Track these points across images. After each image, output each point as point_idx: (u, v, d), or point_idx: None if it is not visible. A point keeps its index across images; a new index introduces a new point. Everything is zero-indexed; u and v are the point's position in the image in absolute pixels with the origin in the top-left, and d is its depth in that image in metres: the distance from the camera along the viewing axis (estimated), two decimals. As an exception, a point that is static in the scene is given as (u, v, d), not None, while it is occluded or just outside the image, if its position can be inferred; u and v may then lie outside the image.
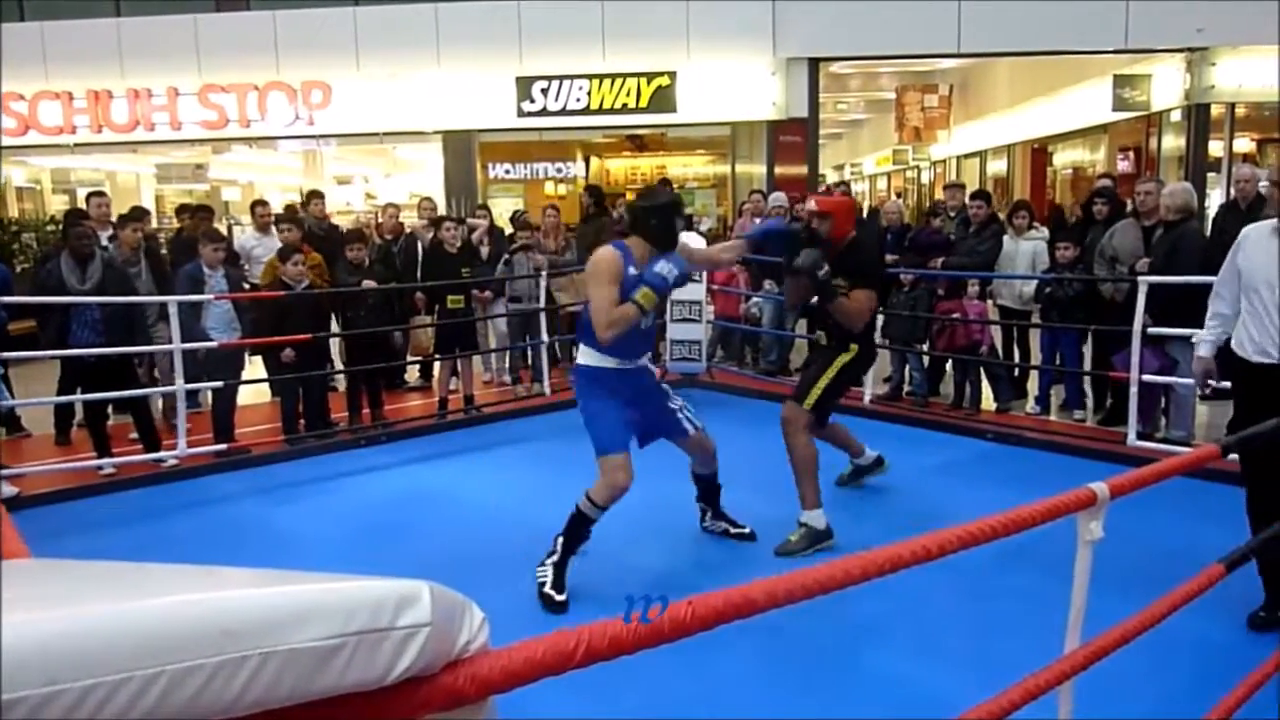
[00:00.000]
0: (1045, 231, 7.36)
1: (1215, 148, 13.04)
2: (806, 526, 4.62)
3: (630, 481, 4.03)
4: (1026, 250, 7.06)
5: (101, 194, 7.83)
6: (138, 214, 7.60)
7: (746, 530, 4.78)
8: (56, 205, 14.94)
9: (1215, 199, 12.04)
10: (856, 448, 5.43)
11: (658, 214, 4.04)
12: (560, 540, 4.06)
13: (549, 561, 4.08)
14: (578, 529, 4.07)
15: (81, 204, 8.55)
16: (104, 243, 6.78)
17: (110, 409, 6.56)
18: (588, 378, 4.15)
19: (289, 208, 10.18)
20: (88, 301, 5.81)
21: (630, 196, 13.91)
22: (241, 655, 0.92)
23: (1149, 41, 12.40)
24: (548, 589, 4.03)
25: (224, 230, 10.44)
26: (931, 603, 3.77)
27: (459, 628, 1.08)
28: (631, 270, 3.97)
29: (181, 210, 9.29)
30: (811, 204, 4.82)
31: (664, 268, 3.92)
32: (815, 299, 4.82)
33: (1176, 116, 13.36)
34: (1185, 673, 3.24)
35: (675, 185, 10.26)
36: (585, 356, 4.15)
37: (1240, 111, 13.35)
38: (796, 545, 4.57)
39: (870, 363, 5.16)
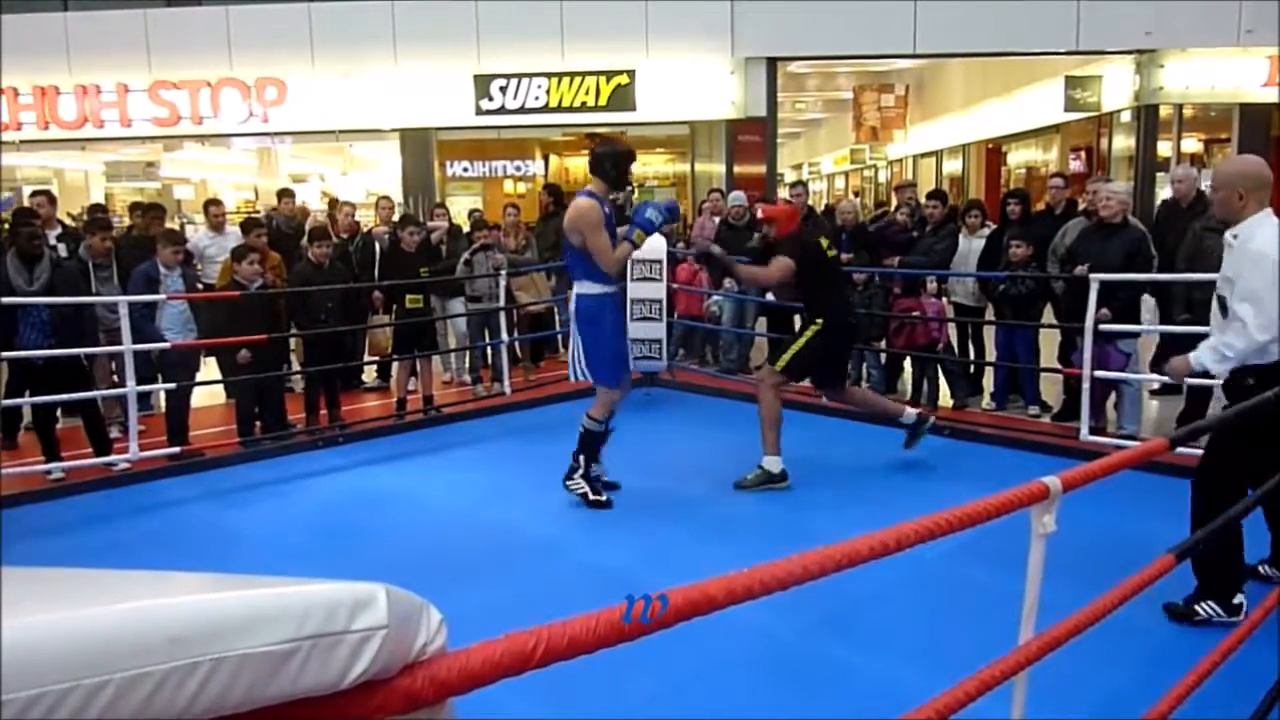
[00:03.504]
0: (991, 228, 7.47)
1: (1164, 148, 13.33)
2: (762, 469, 5.39)
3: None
4: (978, 248, 7.17)
5: (45, 193, 7.66)
6: (104, 221, 7.45)
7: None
8: (2, 204, 14.58)
9: (1164, 195, 12.30)
10: (894, 410, 5.94)
11: (613, 159, 4.88)
12: (581, 457, 4.96)
13: (578, 477, 4.96)
14: (591, 445, 4.94)
15: (28, 203, 8.37)
16: (52, 242, 6.63)
17: (59, 412, 6.42)
18: (596, 306, 4.84)
19: (243, 208, 10.05)
20: (35, 302, 5.68)
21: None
22: (192, 662, 0.90)
23: (1099, 44, 12.63)
24: (592, 497, 4.93)
25: (176, 229, 10.24)
26: (889, 597, 3.81)
27: (416, 630, 1.07)
28: (605, 210, 4.78)
29: (135, 209, 9.14)
30: (759, 212, 5.90)
31: (653, 213, 4.84)
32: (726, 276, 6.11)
33: (1126, 117, 13.63)
34: (1136, 662, 3.30)
35: (635, 184, 10.28)
36: (587, 287, 4.85)
37: (1188, 113, 13.67)
38: (750, 481, 5.38)
39: (844, 335, 5.73)
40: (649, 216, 4.83)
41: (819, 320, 5.52)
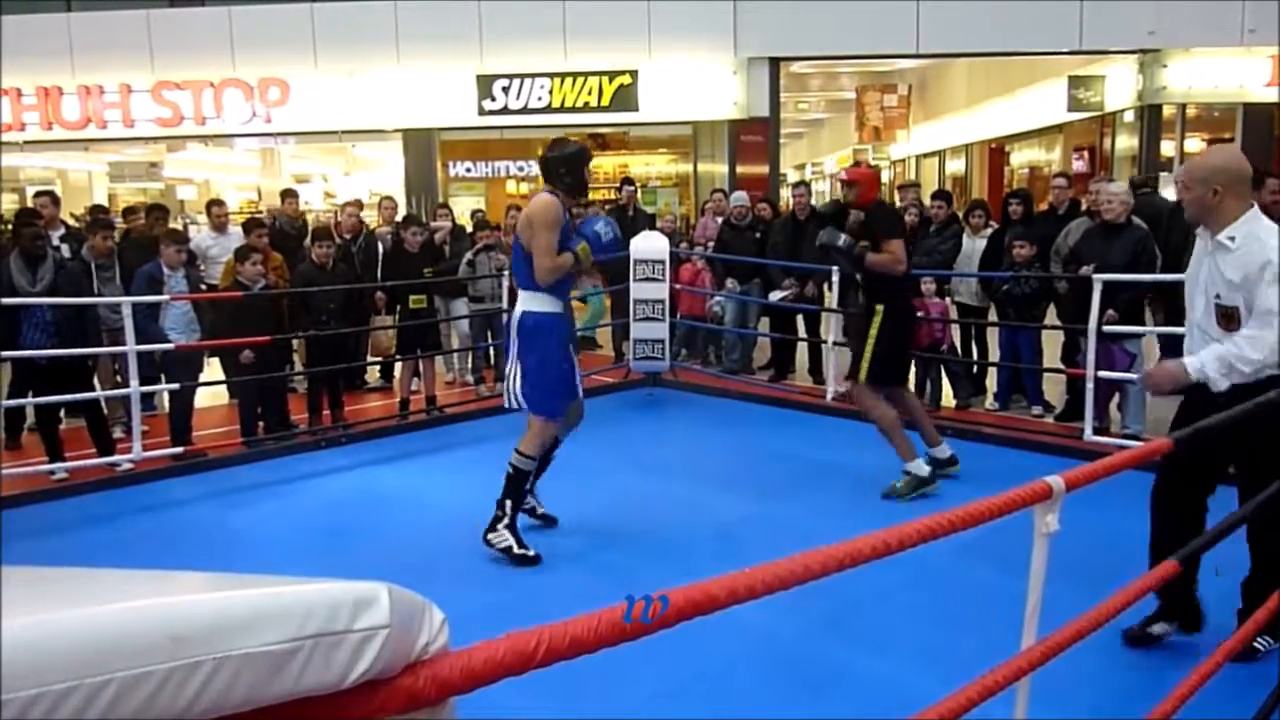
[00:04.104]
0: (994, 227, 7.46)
1: (1167, 148, 13.31)
2: (910, 474, 5.09)
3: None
4: (981, 248, 7.17)
5: (49, 194, 7.67)
6: (106, 221, 7.45)
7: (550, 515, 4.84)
8: (6, 204, 14.60)
9: (1169, 196, 12.27)
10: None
11: (567, 163, 4.26)
12: (508, 504, 4.30)
13: (501, 527, 4.30)
14: (519, 487, 4.33)
15: (31, 203, 8.38)
16: (55, 243, 6.64)
17: (62, 412, 6.42)
18: (541, 327, 4.25)
19: (246, 209, 10.05)
20: (38, 303, 5.69)
21: (596, 194, 13.82)
22: (194, 661, 0.90)
23: (1102, 43, 12.62)
24: (516, 551, 4.26)
25: (179, 229, 10.25)
26: (891, 597, 3.81)
27: (418, 629, 1.07)
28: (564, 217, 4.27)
29: (128, 212, 9.11)
30: (841, 174, 5.33)
31: (602, 228, 4.37)
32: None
33: (1129, 117, 13.62)
34: (1139, 662, 3.30)
35: (638, 184, 10.29)
36: (533, 302, 4.26)
37: (1191, 112, 13.64)
38: (901, 490, 5.07)
39: (908, 319, 5.42)
40: (598, 230, 4.38)
41: (880, 305, 5.10)
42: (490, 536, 4.32)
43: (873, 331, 5.12)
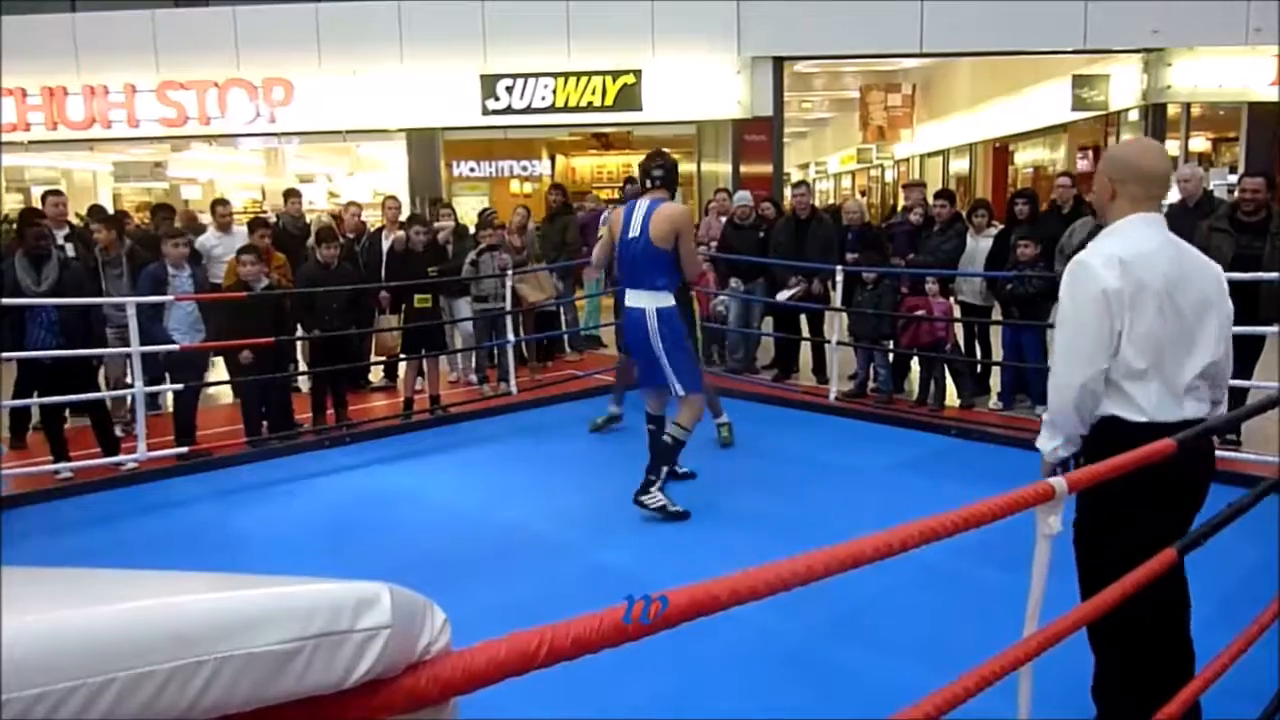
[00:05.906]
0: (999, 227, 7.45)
1: (1172, 147, 13.28)
2: (728, 424, 6.30)
3: None
4: (985, 248, 7.16)
5: (59, 193, 7.68)
6: (112, 217, 7.45)
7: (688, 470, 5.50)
8: (10, 204, 14.63)
9: (1171, 197, 12.25)
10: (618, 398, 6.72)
11: (676, 170, 5.03)
12: (663, 469, 4.81)
13: (655, 490, 4.78)
14: (673, 455, 4.87)
15: (37, 203, 8.39)
16: (60, 242, 6.65)
17: (67, 411, 6.44)
18: (674, 318, 4.85)
19: (250, 209, 10.05)
20: (43, 303, 5.70)
21: (601, 194, 13.74)
22: (196, 660, 0.90)
23: (1107, 42, 12.60)
24: (671, 509, 4.76)
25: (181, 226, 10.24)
26: (895, 597, 3.80)
27: (420, 629, 1.07)
28: None
29: (120, 215, 9.02)
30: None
31: None
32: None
33: (1134, 116, 13.59)
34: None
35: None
36: (663, 300, 4.81)
37: (1195, 111, 13.63)
38: (729, 437, 6.27)
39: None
40: None
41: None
42: (644, 499, 4.77)
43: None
